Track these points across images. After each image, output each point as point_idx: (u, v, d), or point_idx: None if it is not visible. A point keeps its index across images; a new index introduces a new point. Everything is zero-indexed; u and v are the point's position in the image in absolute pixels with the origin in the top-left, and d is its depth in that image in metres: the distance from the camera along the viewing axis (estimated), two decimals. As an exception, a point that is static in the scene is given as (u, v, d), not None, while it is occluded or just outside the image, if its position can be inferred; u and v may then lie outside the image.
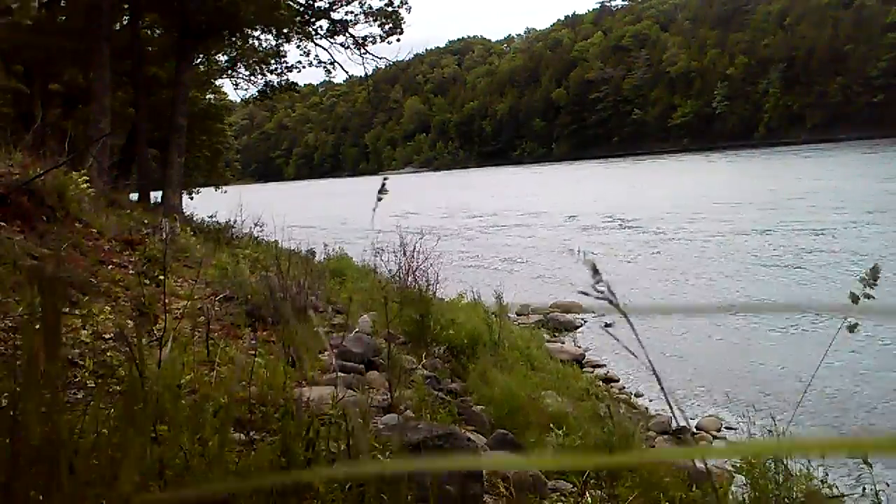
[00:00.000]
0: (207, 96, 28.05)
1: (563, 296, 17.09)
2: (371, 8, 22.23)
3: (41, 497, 1.00)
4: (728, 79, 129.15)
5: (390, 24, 22.57)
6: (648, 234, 26.64)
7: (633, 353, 1.06)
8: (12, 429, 1.02)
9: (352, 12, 22.39)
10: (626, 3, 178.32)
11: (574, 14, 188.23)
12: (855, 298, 2.00)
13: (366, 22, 22.55)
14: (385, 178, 2.50)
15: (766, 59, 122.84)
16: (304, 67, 24.59)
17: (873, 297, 2.38)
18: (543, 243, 26.77)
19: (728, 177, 55.24)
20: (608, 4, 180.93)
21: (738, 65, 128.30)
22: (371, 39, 22.85)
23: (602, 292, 0.97)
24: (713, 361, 11.54)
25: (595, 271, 0.93)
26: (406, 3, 22.60)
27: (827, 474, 4.55)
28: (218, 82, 28.22)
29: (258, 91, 26.04)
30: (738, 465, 4.66)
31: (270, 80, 25.47)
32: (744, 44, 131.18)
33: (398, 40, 23.02)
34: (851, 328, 2.19)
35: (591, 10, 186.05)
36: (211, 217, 16.87)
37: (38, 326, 1.06)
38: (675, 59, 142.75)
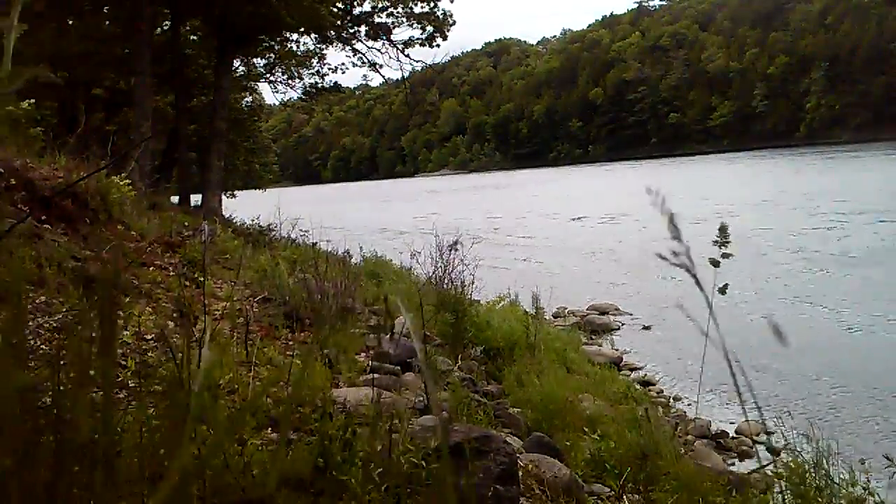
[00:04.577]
0: (246, 100, 28.38)
1: (600, 298, 17.01)
2: (413, 11, 22.32)
3: (84, 496, 1.02)
4: (768, 78, 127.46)
5: (433, 29, 22.61)
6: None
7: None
8: (56, 427, 1.04)
9: (393, 15, 22.52)
10: (664, 2, 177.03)
11: (611, 14, 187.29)
12: (715, 263, 1.97)
13: (409, 25, 22.65)
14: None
15: (808, 58, 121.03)
16: (344, 70, 24.80)
17: (732, 256, 2.30)
18: (581, 245, 26.64)
19: (761, 178, 54.38)
20: (646, 4, 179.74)
21: (778, 64, 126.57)
22: (418, 41, 22.92)
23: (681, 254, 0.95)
24: (753, 361, 11.36)
25: (675, 227, 0.91)
26: (451, 15, 22.66)
27: (870, 481, 4.46)
28: (254, 83, 28.54)
29: (302, 92, 26.26)
30: (779, 470, 4.59)
31: (314, 82, 25.70)
32: (784, 43, 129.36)
33: (438, 46, 23.09)
34: (722, 289, 2.13)
35: (628, 10, 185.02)
36: (253, 220, 17.05)
37: (80, 326, 1.08)
38: (714, 59, 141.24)
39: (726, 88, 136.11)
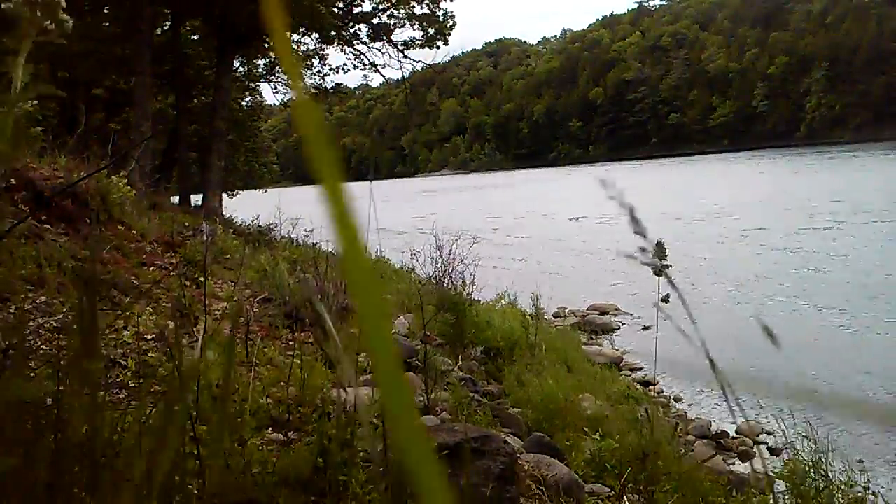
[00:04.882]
0: (246, 100, 28.36)
1: (600, 298, 17.00)
2: (414, 13, 22.30)
3: (84, 494, 1.02)
4: (768, 78, 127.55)
5: (434, 30, 22.57)
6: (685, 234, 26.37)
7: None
8: (56, 427, 1.05)
9: (394, 16, 22.52)
10: (664, 2, 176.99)
11: (612, 14, 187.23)
12: (658, 272, 2.01)
13: (411, 26, 22.63)
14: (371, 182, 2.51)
15: (808, 58, 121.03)
16: (346, 71, 24.83)
17: (670, 266, 2.38)
18: (581, 245, 26.64)
19: (760, 178, 54.34)
20: (646, 4, 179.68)
21: (778, 64, 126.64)
22: (418, 43, 22.88)
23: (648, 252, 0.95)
24: (755, 363, 11.36)
25: (636, 220, 0.91)
26: (452, 16, 22.64)
27: (869, 481, 4.46)
28: (256, 84, 28.51)
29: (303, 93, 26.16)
30: (778, 471, 4.59)
31: (315, 83, 25.68)
32: (784, 43, 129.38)
33: (438, 47, 23.06)
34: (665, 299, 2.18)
35: (628, 10, 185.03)
36: (253, 220, 17.05)
37: (74, 326, 1.09)
38: (714, 59, 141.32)
39: (726, 88, 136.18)
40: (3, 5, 1.10)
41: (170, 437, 0.71)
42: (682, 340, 1.26)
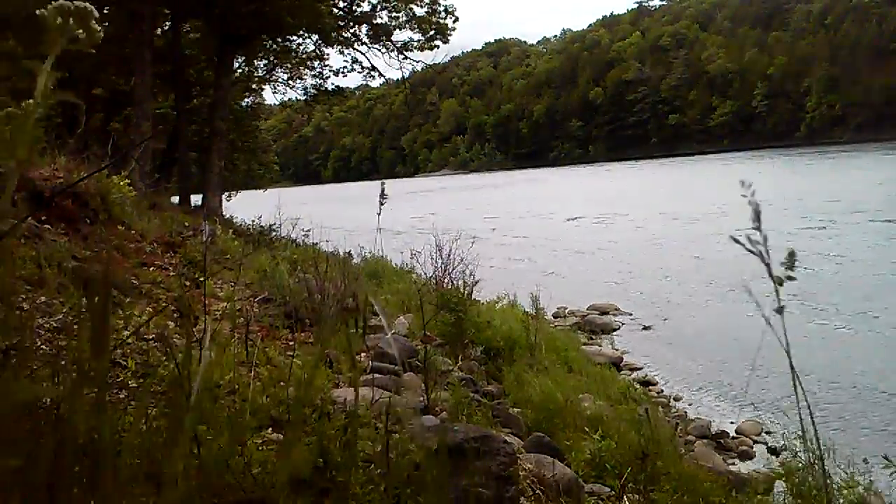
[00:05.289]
0: (246, 100, 28.35)
1: (600, 298, 17.00)
2: (414, 14, 22.31)
3: (85, 496, 1.02)
4: (768, 78, 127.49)
5: (434, 31, 22.57)
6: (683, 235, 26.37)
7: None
8: (56, 428, 1.05)
9: (395, 18, 22.52)
10: (664, 2, 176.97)
11: (612, 14, 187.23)
12: (780, 281, 2.02)
13: (410, 28, 22.65)
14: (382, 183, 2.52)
15: (808, 58, 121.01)
16: (347, 73, 24.81)
17: (795, 278, 2.41)
18: (580, 244, 26.63)
19: (760, 178, 54.27)
20: (646, 4, 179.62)
21: (778, 64, 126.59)
22: (417, 44, 22.90)
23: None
24: (749, 361, 11.35)
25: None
26: (454, 10, 22.63)
27: (871, 482, 4.46)
28: (256, 86, 28.51)
29: (306, 95, 26.25)
30: (778, 470, 4.59)
31: (317, 84, 25.69)
32: (784, 43, 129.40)
33: (439, 47, 23.07)
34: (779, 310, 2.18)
35: (628, 10, 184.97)
36: (253, 220, 17.05)
37: (76, 325, 1.09)
38: (714, 59, 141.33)
39: (726, 88, 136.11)
40: (36, 12, 1.09)
41: (177, 446, 0.71)
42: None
